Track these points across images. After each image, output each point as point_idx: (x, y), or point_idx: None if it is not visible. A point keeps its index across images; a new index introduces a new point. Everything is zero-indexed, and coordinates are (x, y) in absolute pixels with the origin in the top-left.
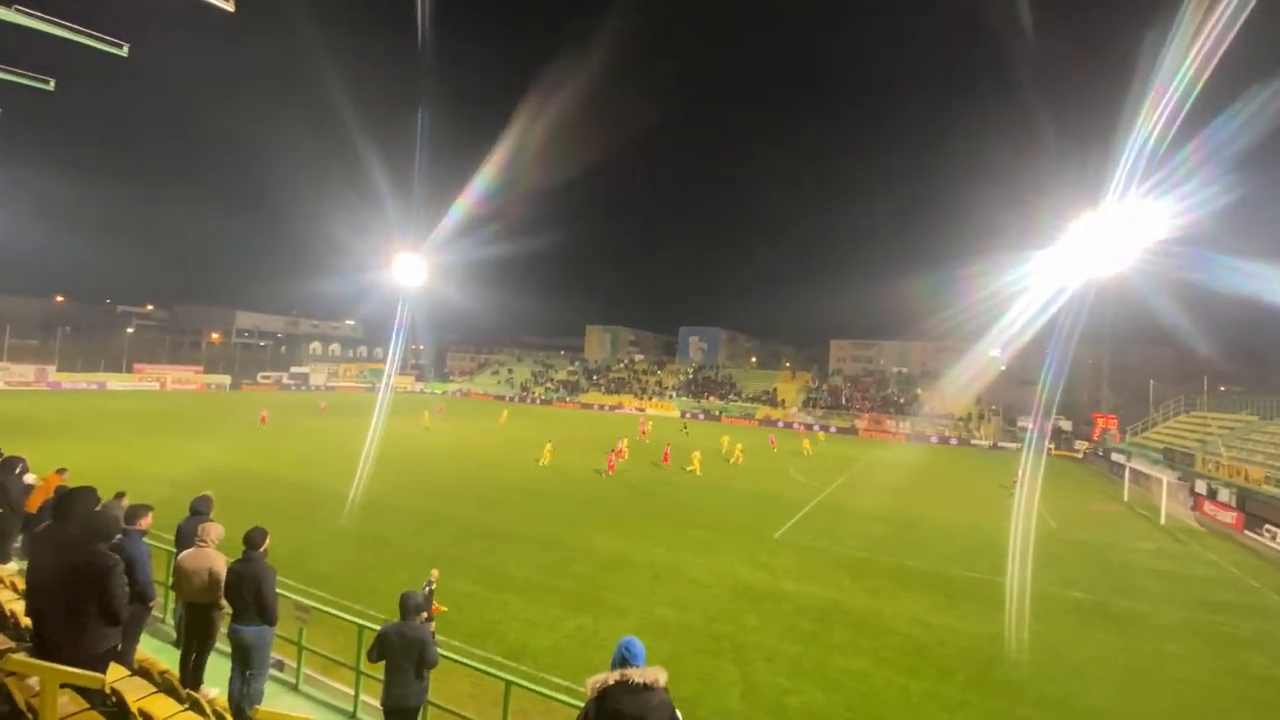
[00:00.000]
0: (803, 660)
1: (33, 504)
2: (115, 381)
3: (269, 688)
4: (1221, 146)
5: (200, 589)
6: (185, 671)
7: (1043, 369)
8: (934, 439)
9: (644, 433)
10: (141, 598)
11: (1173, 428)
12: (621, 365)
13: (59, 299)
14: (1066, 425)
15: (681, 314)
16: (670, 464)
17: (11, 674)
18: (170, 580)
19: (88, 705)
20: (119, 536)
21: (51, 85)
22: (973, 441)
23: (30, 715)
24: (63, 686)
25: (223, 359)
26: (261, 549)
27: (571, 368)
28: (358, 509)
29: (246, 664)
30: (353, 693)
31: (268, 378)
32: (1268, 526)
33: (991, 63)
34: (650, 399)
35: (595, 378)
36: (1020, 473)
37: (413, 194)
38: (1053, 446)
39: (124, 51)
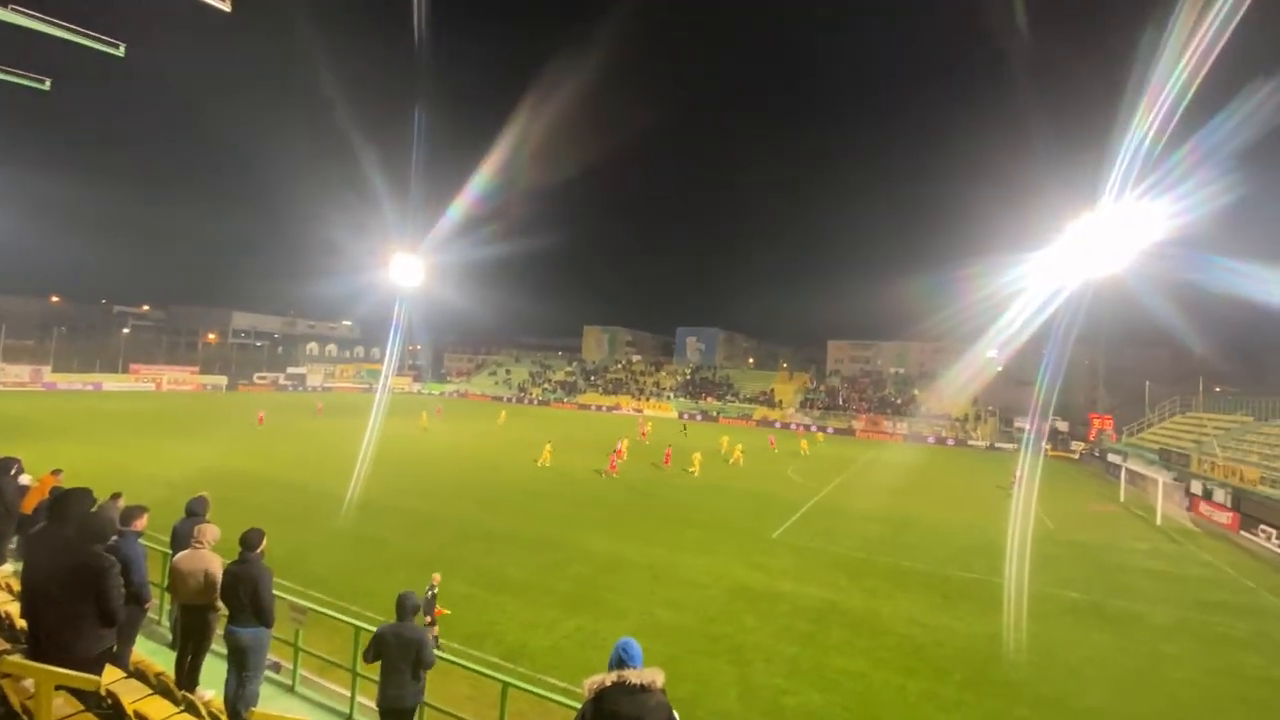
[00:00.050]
0: (800, 661)
1: (28, 505)
2: (111, 382)
3: (265, 689)
4: (1217, 147)
5: (196, 590)
6: (181, 673)
7: (1039, 370)
8: (931, 439)
9: (644, 434)
10: (137, 599)
11: (1168, 428)
12: (619, 366)
13: (54, 299)
14: (1063, 426)
15: (679, 314)
16: (671, 465)
17: (6, 676)
18: (166, 582)
19: (83, 707)
20: (114, 538)
21: (48, 85)
22: (970, 442)
23: (25, 717)
24: (58, 688)
25: (219, 359)
26: (258, 550)
27: (569, 368)
28: (355, 510)
29: (242, 666)
30: (349, 694)
31: (264, 378)
32: (1263, 527)
33: (987, 64)
34: (648, 400)
35: (593, 378)
36: (1017, 473)
37: (410, 194)
38: (1049, 447)
39: (120, 52)
